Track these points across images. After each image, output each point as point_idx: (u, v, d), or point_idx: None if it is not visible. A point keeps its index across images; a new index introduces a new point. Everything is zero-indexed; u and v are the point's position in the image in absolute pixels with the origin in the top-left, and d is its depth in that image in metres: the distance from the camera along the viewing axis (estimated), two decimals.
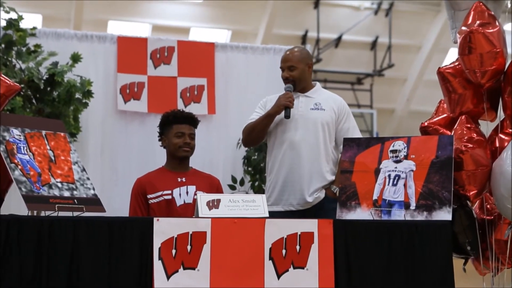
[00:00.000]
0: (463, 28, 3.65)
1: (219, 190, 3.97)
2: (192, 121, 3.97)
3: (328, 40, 14.52)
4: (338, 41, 14.64)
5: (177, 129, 3.90)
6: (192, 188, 3.81)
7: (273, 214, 3.79)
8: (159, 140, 4.01)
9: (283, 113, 3.92)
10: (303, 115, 3.98)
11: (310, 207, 3.91)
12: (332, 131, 4.01)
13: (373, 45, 15.12)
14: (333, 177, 3.97)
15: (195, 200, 3.49)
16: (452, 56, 14.08)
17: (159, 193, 3.79)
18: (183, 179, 3.85)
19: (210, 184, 3.90)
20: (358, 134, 4.06)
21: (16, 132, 3.08)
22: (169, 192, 3.79)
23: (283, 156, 3.96)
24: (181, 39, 5.67)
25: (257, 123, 4.00)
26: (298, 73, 4.04)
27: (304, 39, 14.42)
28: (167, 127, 3.93)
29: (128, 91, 5.30)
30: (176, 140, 3.88)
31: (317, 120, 3.97)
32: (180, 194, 3.80)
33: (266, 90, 4.98)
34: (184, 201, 3.78)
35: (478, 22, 3.61)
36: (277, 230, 3.02)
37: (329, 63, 14.66)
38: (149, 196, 3.80)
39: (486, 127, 3.77)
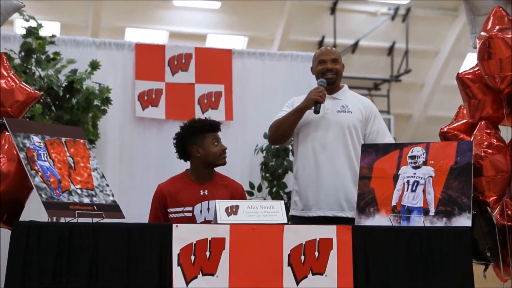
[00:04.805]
0: (482, 33, 3.63)
1: (242, 198, 3.91)
2: (219, 128, 3.96)
3: (345, 46, 14.50)
4: (355, 47, 14.62)
5: (212, 136, 3.85)
6: (213, 204, 3.76)
7: (306, 220, 3.76)
8: (185, 151, 3.89)
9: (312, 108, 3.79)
10: (329, 117, 3.87)
11: (345, 217, 3.78)
12: (360, 134, 3.89)
13: (390, 50, 15.08)
14: None
15: None
16: (469, 61, 14.01)
17: (180, 209, 3.77)
18: (206, 192, 3.81)
19: (232, 196, 3.83)
20: (389, 137, 3.95)
21: (36, 139, 3.11)
22: (190, 209, 3.76)
23: (309, 159, 3.85)
24: (199, 46, 5.68)
25: (285, 118, 3.87)
26: (340, 68, 4.00)
27: (320, 45, 14.40)
28: (199, 137, 3.85)
29: (146, 98, 5.32)
30: (215, 148, 3.83)
31: (343, 123, 3.85)
32: (201, 211, 3.77)
33: (283, 96, 4.98)
34: (205, 218, 3.75)
35: (497, 27, 3.60)
36: (295, 236, 3.02)
37: (346, 68, 14.34)
38: (169, 209, 3.78)
39: (506, 132, 3.75)
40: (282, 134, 3.92)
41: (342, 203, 3.80)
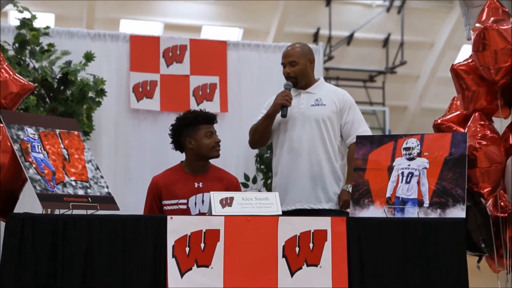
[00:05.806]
0: (477, 25, 3.63)
1: (236, 191, 3.91)
2: (215, 120, 3.93)
3: (340, 38, 14.48)
4: (350, 39, 14.60)
5: (206, 129, 3.82)
6: (208, 196, 3.75)
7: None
8: (179, 142, 3.88)
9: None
10: (303, 112, 3.94)
11: (322, 209, 3.86)
12: (335, 126, 3.96)
13: (385, 42, 15.07)
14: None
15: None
16: (464, 53, 14.01)
17: (175, 201, 3.76)
18: (200, 184, 3.80)
19: (227, 189, 3.82)
20: (363, 128, 3.99)
21: (30, 131, 3.10)
22: (185, 201, 3.75)
23: (285, 155, 3.93)
24: (193, 38, 5.67)
25: (259, 124, 3.99)
26: (300, 69, 3.99)
27: (316, 37, 14.38)
28: (193, 128, 3.82)
29: (140, 89, 5.32)
30: (208, 140, 3.81)
31: (317, 117, 3.92)
32: (195, 203, 3.76)
33: (279, 88, 4.96)
34: (199, 211, 3.75)
35: (492, 18, 3.60)
36: (290, 227, 3.03)
37: (341, 60, 14.62)
38: (164, 202, 3.77)
39: (500, 124, 3.76)
40: (259, 139, 4.06)
41: (319, 195, 3.88)
